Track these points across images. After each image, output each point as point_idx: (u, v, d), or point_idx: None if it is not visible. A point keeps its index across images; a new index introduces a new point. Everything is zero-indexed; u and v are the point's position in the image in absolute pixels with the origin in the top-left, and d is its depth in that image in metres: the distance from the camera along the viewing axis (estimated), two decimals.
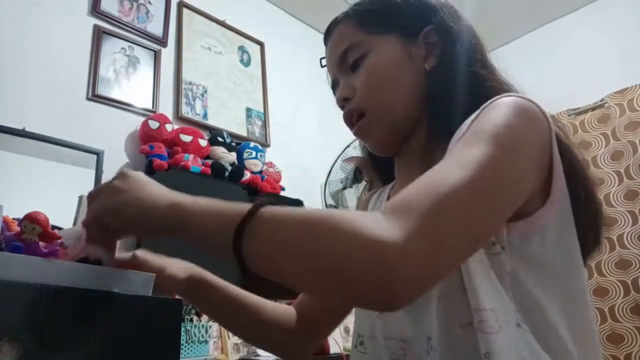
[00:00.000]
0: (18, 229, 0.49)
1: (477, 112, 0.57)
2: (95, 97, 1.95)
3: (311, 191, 2.62)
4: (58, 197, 1.65)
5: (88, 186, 1.80)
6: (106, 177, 1.87)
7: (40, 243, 0.48)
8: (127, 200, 0.50)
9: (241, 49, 2.64)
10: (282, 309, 0.81)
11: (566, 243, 0.58)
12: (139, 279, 0.53)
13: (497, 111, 0.54)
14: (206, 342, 1.82)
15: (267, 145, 2.55)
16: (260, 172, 2.33)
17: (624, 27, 2.78)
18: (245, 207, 0.45)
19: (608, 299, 2.44)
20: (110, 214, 0.51)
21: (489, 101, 0.57)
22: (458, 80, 0.66)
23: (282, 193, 2.41)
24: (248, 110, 2.54)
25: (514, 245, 0.55)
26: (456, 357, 0.54)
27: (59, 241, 0.50)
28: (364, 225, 0.40)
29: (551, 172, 0.55)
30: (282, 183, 2.42)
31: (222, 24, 2.58)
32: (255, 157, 2.31)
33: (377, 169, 0.84)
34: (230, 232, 0.44)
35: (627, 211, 2.49)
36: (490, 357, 0.49)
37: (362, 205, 0.85)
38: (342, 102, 0.72)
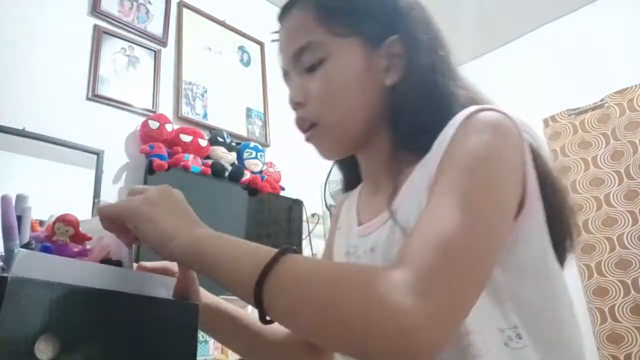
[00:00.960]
0: (41, 229, 0.50)
1: (454, 128, 0.56)
2: (95, 97, 1.95)
3: (311, 191, 2.62)
4: (58, 197, 1.65)
5: (88, 186, 1.81)
6: (106, 177, 1.87)
7: (71, 244, 0.49)
8: (151, 218, 0.50)
9: (241, 49, 2.64)
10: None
11: (544, 245, 0.59)
12: (160, 282, 0.55)
13: (477, 135, 0.54)
14: (206, 342, 1.83)
15: (267, 145, 2.55)
16: (260, 172, 2.33)
17: (624, 27, 2.79)
18: (266, 253, 0.45)
19: (608, 299, 2.44)
20: (132, 220, 0.51)
21: (466, 114, 0.56)
22: (422, 98, 0.62)
23: (282, 193, 2.41)
24: (248, 110, 2.54)
25: (501, 257, 0.55)
26: None
27: (88, 242, 0.52)
28: (386, 291, 0.40)
29: (525, 182, 0.56)
30: (282, 183, 2.42)
31: (222, 24, 2.58)
32: (255, 157, 2.31)
33: (343, 171, 0.83)
34: (252, 280, 0.44)
35: (627, 211, 2.49)
36: None
37: (337, 208, 0.84)
38: (295, 106, 0.68)
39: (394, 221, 0.61)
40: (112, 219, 0.52)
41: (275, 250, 0.45)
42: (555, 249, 0.61)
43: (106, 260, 0.51)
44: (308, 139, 0.69)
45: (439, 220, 0.47)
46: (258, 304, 0.44)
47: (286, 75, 0.72)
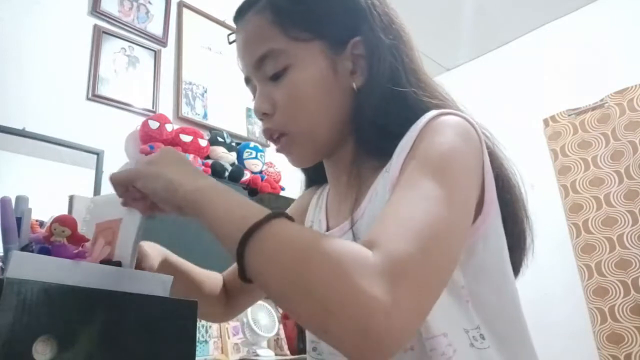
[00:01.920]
0: (41, 230, 0.51)
1: (418, 129, 0.56)
2: (95, 97, 1.94)
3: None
4: (58, 197, 1.65)
5: (88, 186, 1.80)
6: (106, 177, 1.87)
7: (69, 245, 0.49)
8: (157, 173, 0.53)
9: None
10: (216, 281, 0.82)
11: (501, 245, 0.60)
12: (157, 280, 0.55)
13: (441, 135, 0.55)
14: (206, 342, 1.82)
15: (267, 145, 2.55)
16: (260, 172, 2.33)
17: (624, 27, 2.78)
18: (259, 213, 0.46)
19: (608, 299, 2.44)
20: (140, 180, 0.54)
21: (428, 118, 0.57)
22: (383, 101, 0.61)
23: (282, 193, 2.41)
24: (248, 110, 2.54)
25: (462, 259, 0.56)
26: None
27: (86, 243, 0.52)
28: (358, 271, 0.40)
29: (483, 182, 0.57)
30: (282, 183, 2.42)
31: (222, 24, 2.58)
32: (255, 157, 2.31)
33: (304, 171, 0.85)
34: (238, 236, 0.44)
35: (627, 211, 2.49)
36: None
37: (304, 206, 0.84)
38: (261, 117, 0.67)
39: (353, 232, 0.61)
40: (124, 184, 0.55)
41: (267, 212, 0.46)
42: (512, 250, 0.61)
43: (106, 261, 0.51)
44: (279, 150, 0.69)
45: (410, 210, 0.47)
46: (239, 260, 0.45)
47: (248, 81, 0.70)
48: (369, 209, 0.61)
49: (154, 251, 0.71)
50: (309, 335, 0.72)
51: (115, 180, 0.56)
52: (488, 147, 0.60)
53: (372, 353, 0.39)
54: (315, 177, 0.83)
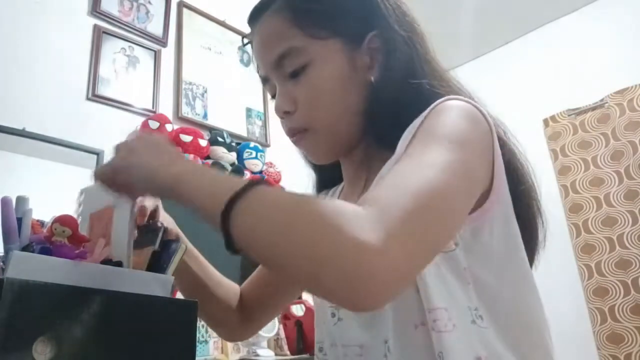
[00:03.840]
0: (43, 231, 0.51)
1: (424, 114, 0.58)
2: (95, 97, 1.94)
3: (311, 191, 2.61)
4: (58, 197, 1.65)
5: None
6: None
7: (70, 245, 0.49)
8: (134, 164, 0.54)
9: (241, 49, 2.63)
10: (233, 289, 0.81)
11: (511, 233, 0.60)
12: (158, 280, 0.55)
13: (446, 114, 0.56)
14: (206, 342, 1.82)
15: (267, 145, 2.55)
16: (261, 172, 2.33)
17: (624, 27, 2.78)
18: (242, 182, 0.46)
19: (608, 299, 2.44)
20: (122, 171, 0.55)
21: (435, 104, 0.58)
22: (398, 93, 0.62)
23: None
24: (248, 110, 2.54)
25: (466, 240, 0.56)
26: (411, 358, 0.55)
27: (87, 244, 0.53)
28: (347, 220, 0.40)
29: (493, 168, 0.57)
30: (282, 183, 2.42)
31: (222, 24, 2.58)
32: (255, 157, 2.31)
33: (316, 172, 0.85)
34: (221, 208, 0.44)
35: (627, 211, 2.49)
36: (443, 357, 0.51)
37: None
38: (283, 115, 0.67)
39: None
40: (110, 178, 0.56)
41: (249, 181, 0.46)
42: (524, 240, 0.61)
43: (107, 261, 0.51)
44: (296, 143, 0.69)
45: (407, 176, 0.47)
46: (225, 226, 0.44)
47: (266, 81, 0.70)
48: None
49: (169, 222, 0.71)
50: (316, 336, 0.72)
51: (99, 177, 0.57)
52: (499, 135, 0.60)
53: (364, 298, 0.38)
54: (327, 180, 0.83)
